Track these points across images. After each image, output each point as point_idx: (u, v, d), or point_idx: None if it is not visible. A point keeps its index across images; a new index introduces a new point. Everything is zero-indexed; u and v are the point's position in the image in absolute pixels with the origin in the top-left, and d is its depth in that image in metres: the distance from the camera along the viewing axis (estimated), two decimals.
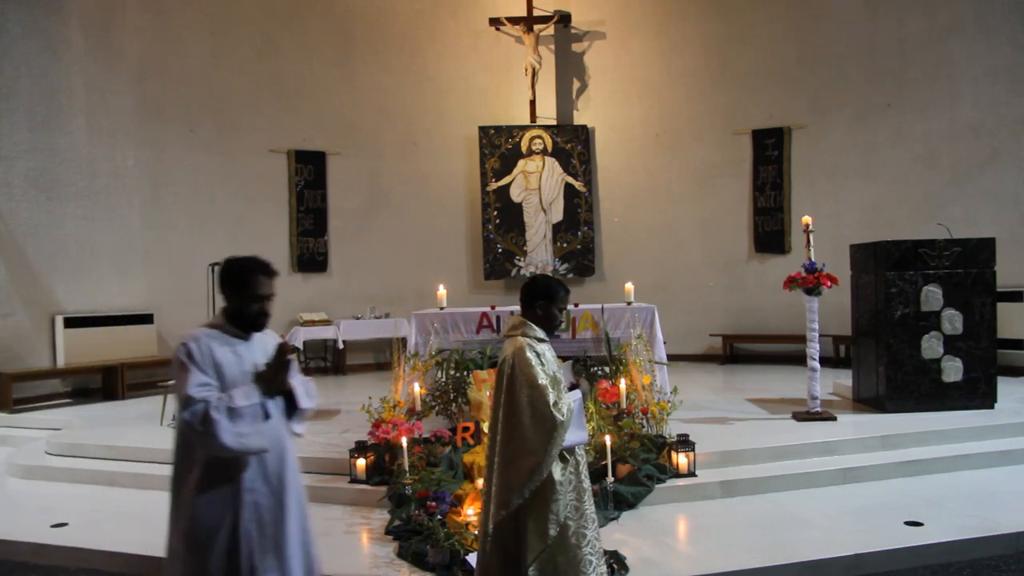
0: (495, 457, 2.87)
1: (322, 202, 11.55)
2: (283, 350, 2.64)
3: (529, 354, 2.86)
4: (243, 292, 2.76)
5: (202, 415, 2.47)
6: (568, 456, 2.89)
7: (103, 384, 9.31)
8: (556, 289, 3.04)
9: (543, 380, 2.81)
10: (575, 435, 2.88)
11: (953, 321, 6.54)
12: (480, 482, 5.03)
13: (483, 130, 11.78)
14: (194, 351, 2.65)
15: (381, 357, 11.39)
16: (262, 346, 2.72)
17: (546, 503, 2.80)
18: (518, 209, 11.79)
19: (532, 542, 2.81)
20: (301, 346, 10.70)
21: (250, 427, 2.49)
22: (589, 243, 11.74)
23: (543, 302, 3.02)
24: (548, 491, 2.81)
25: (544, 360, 2.90)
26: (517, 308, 6.95)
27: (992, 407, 6.57)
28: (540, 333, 3.01)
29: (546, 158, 11.79)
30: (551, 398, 2.78)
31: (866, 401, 6.98)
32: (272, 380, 2.63)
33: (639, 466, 5.03)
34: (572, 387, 3.01)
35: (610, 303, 6.88)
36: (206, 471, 2.60)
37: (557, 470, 2.83)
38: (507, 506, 2.78)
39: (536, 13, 11.69)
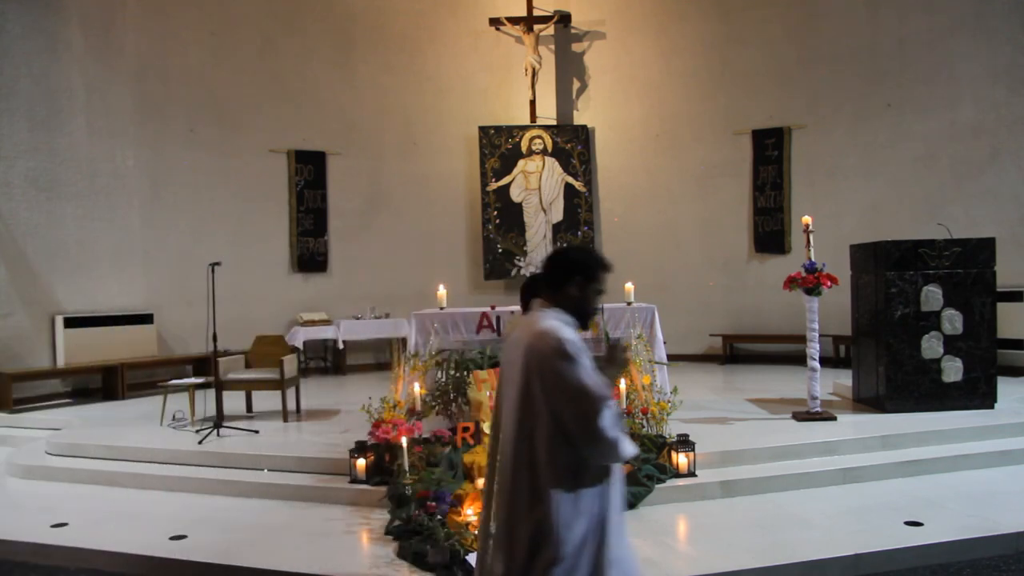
0: (496, 455, 2.83)
1: (322, 202, 11.55)
2: (622, 347, 2.45)
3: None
4: (595, 283, 2.38)
5: (613, 419, 2.14)
6: None
7: (103, 384, 9.32)
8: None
9: None
10: None
11: (953, 321, 6.54)
12: (480, 482, 5.04)
13: (483, 130, 11.78)
14: (577, 344, 2.22)
15: (381, 357, 11.40)
16: None
17: None
18: (518, 209, 11.79)
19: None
20: (301, 346, 10.70)
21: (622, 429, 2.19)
22: (589, 243, 11.74)
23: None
24: None
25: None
26: (517, 308, 6.95)
27: (992, 407, 6.57)
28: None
29: (546, 158, 11.79)
30: None
31: (866, 401, 6.98)
32: (615, 378, 2.40)
33: (639, 466, 5.03)
34: None
35: (610, 303, 6.87)
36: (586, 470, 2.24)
37: None
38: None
39: (536, 13, 11.70)
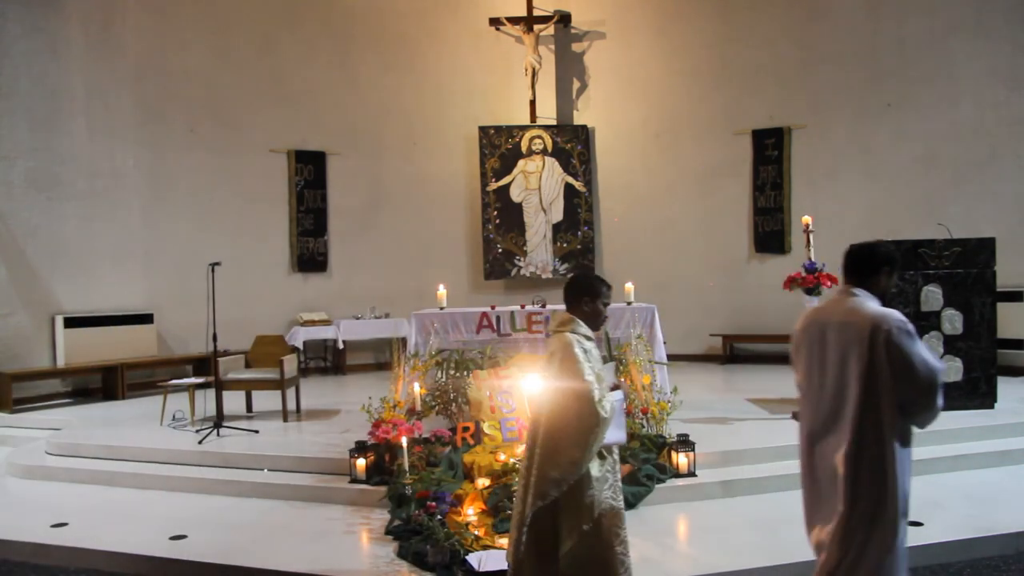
0: (536, 448, 2.88)
1: (322, 202, 11.55)
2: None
3: (577, 350, 2.88)
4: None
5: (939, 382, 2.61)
6: (606, 453, 2.93)
7: (103, 384, 9.32)
8: (599, 285, 3.09)
9: (589, 376, 2.83)
10: (615, 434, 2.91)
11: (953, 321, 6.55)
12: (480, 482, 5.04)
13: (483, 130, 11.77)
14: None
15: (381, 357, 11.39)
16: None
17: (582, 497, 2.83)
18: (518, 209, 11.79)
19: (566, 535, 2.83)
20: (301, 346, 10.70)
21: None
22: (589, 243, 11.74)
23: (588, 298, 3.04)
24: (585, 486, 2.83)
25: (590, 357, 2.92)
26: (516, 308, 6.98)
27: (992, 407, 6.57)
28: (587, 331, 3.03)
29: (546, 158, 11.79)
30: (596, 395, 2.80)
31: None
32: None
33: (639, 466, 5.03)
34: (613, 388, 3.01)
35: (610, 303, 6.88)
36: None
37: (595, 466, 2.86)
38: (544, 497, 2.80)
39: (536, 13, 11.69)
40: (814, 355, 2.83)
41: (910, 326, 2.62)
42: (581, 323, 3.01)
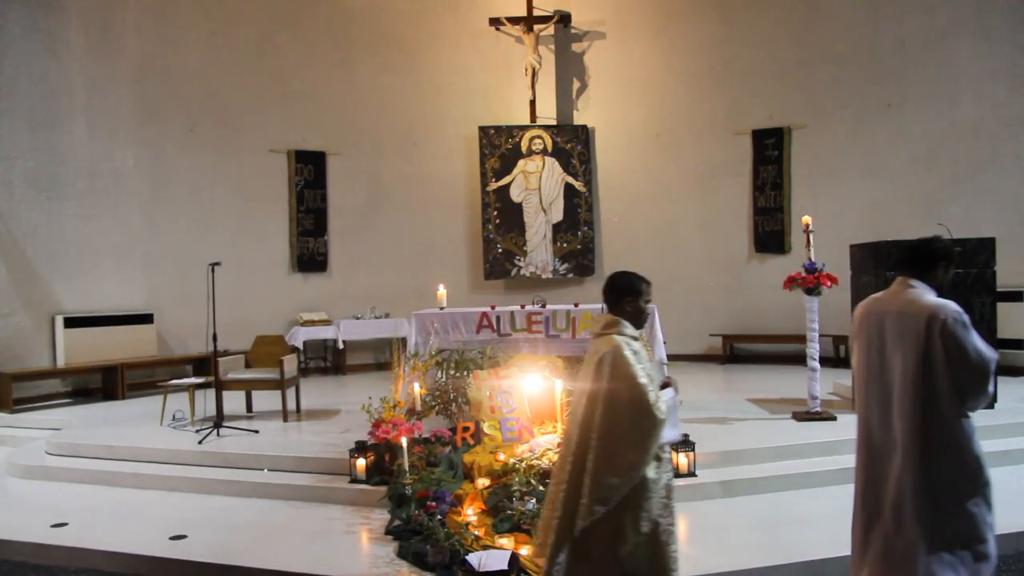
0: (589, 455, 2.80)
1: (322, 202, 11.55)
2: None
3: (627, 352, 2.83)
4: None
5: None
6: (661, 455, 2.90)
7: (103, 384, 9.32)
8: (639, 283, 3.01)
9: (643, 379, 2.79)
10: (670, 433, 2.90)
11: None
12: (480, 482, 5.04)
13: (483, 130, 11.78)
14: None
15: (381, 357, 11.39)
16: None
17: (640, 501, 2.80)
18: (518, 209, 11.79)
19: (625, 539, 2.79)
20: (301, 346, 10.70)
21: None
22: (589, 243, 11.74)
23: (630, 298, 2.98)
24: (642, 489, 2.80)
25: (640, 359, 2.87)
26: (516, 308, 6.97)
27: (992, 407, 6.56)
28: (633, 331, 2.98)
29: (546, 158, 11.79)
30: (652, 396, 2.78)
31: None
32: None
33: None
34: (664, 386, 2.99)
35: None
36: None
37: (651, 468, 2.82)
38: (606, 503, 2.76)
39: (536, 13, 11.69)
40: (873, 342, 3.01)
41: (965, 317, 2.78)
42: (626, 324, 2.95)
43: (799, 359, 7.58)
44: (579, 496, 2.78)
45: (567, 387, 5.99)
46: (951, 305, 2.81)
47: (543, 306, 6.88)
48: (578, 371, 6.19)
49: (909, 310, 2.88)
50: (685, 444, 5.20)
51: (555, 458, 5.14)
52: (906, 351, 2.84)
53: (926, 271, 2.98)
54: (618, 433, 2.77)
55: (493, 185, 11.76)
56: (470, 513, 4.69)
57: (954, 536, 2.83)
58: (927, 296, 2.90)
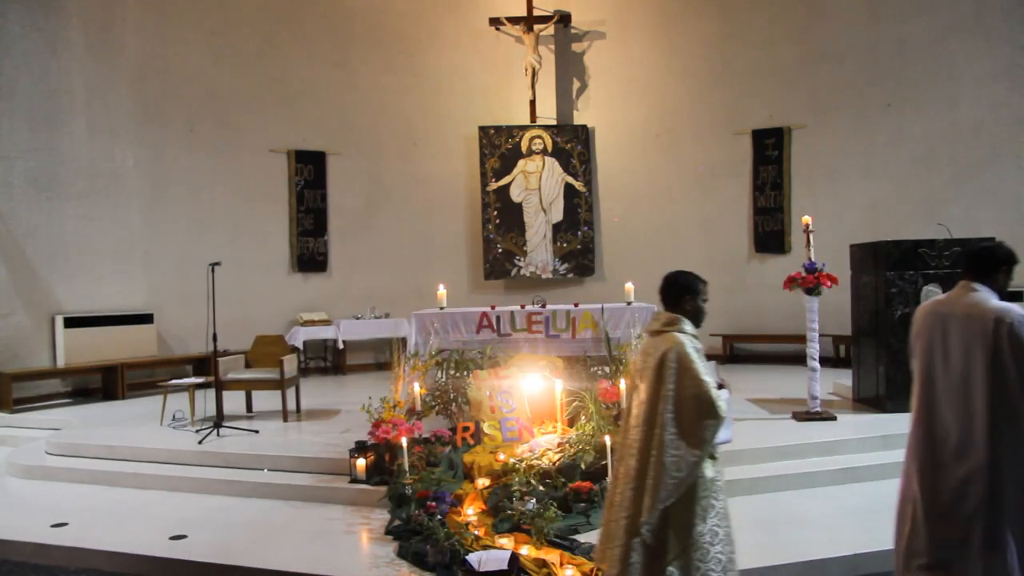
0: (652, 451, 2.83)
1: (322, 202, 11.55)
2: None
3: (690, 349, 2.88)
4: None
5: None
6: (715, 454, 2.92)
7: (103, 384, 9.33)
8: (696, 283, 3.07)
9: (706, 376, 2.84)
10: (724, 433, 2.92)
11: None
12: (480, 482, 5.04)
13: (483, 130, 11.78)
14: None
15: (381, 357, 11.39)
16: None
17: (695, 499, 2.82)
18: (518, 209, 11.79)
19: (676, 538, 2.81)
20: (301, 346, 10.70)
21: None
22: (589, 243, 11.74)
23: (689, 296, 3.02)
24: (700, 487, 2.82)
25: (701, 356, 2.92)
26: (516, 308, 6.97)
27: None
28: (694, 329, 3.01)
29: (546, 158, 11.79)
30: (714, 393, 2.81)
31: (866, 401, 6.98)
32: None
33: None
34: (718, 387, 2.98)
35: (610, 303, 6.88)
36: None
37: (709, 467, 2.85)
38: (668, 500, 2.78)
39: (536, 13, 11.69)
40: (936, 344, 3.11)
41: None
42: (687, 321, 2.99)
43: (799, 359, 7.58)
44: (643, 494, 2.80)
45: (567, 387, 6.00)
46: (1016, 309, 2.93)
47: (543, 306, 6.88)
48: (571, 371, 6.19)
49: (974, 312, 2.98)
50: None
51: (555, 458, 5.15)
52: (973, 353, 2.95)
53: (988, 275, 3.08)
54: (683, 430, 2.80)
55: (493, 185, 11.76)
56: (470, 513, 4.69)
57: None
58: (991, 300, 3.00)
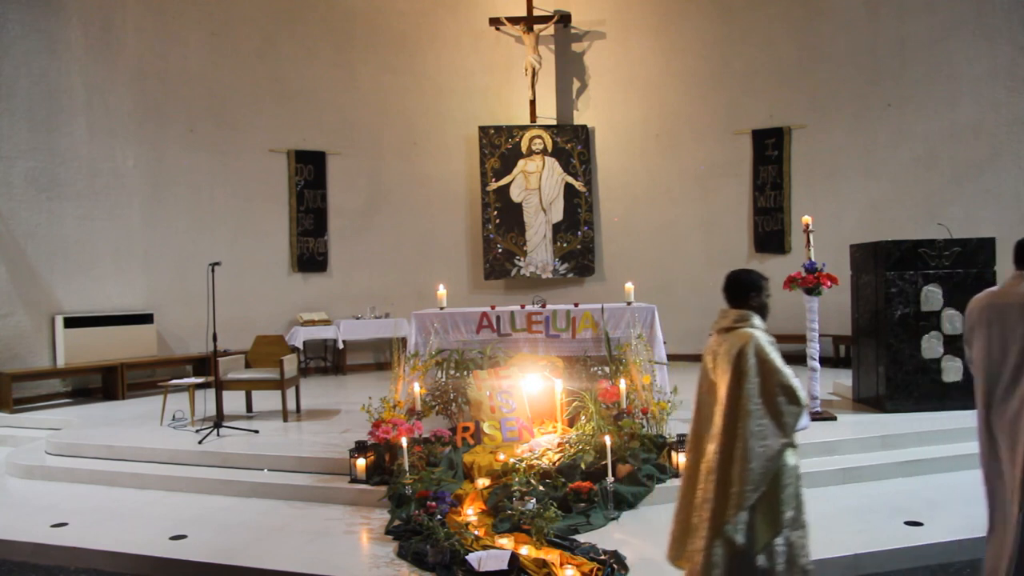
0: (736, 443, 2.87)
1: (322, 202, 11.55)
2: None
3: (765, 343, 2.95)
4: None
5: None
6: (795, 443, 2.98)
7: (103, 384, 9.33)
8: (760, 279, 3.16)
9: (784, 367, 2.92)
10: (804, 420, 3.01)
11: (953, 321, 6.54)
12: (480, 482, 5.04)
13: (483, 130, 11.78)
14: None
15: (381, 357, 11.40)
16: None
17: (780, 488, 2.88)
18: (518, 209, 11.79)
19: (764, 527, 2.86)
20: (301, 346, 10.70)
21: None
22: (589, 243, 11.74)
23: (754, 293, 3.11)
24: (783, 476, 2.89)
25: (774, 348, 2.99)
26: (516, 308, 6.97)
27: None
28: (762, 323, 3.09)
29: (546, 158, 11.79)
30: (795, 383, 2.89)
31: (866, 401, 6.98)
32: None
33: (639, 466, 5.03)
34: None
35: (610, 303, 6.88)
36: None
37: (791, 455, 2.91)
38: (758, 489, 2.84)
39: (536, 13, 11.69)
40: (993, 333, 3.18)
41: None
42: (756, 316, 3.07)
43: (799, 359, 7.58)
44: (730, 486, 2.85)
45: (567, 387, 6.00)
46: None
47: (543, 306, 6.88)
48: (571, 371, 6.18)
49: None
50: (685, 444, 5.19)
51: (555, 458, 5.15)
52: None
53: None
54: (769, 420, 2.88)
55: (493, 185, 11.77)
56: (470, 513, 4.69)
57: None
58: None
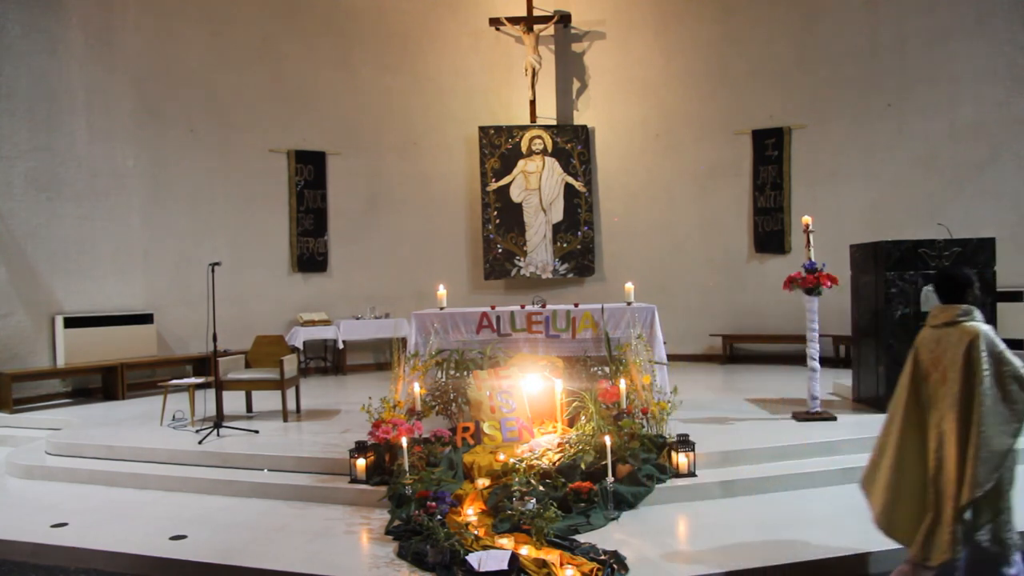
0: (972, 430, 3.14)
1: (322, 202, 11.55)
2: None
3: (994, 336, 3.25)
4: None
5: None
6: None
7: (103, 384, 9.33)
8: (973, 277, 3.46)
9: (1015, 358, 3.19)
10: None
11: None
12: (480, 482, 5.04)
13: (483, 130, 11.78)
14: None
15: (381, 357, 11.40)
16: None
17: (1012, 470, 3.20)
18: (518, 209, 11.79)
19: (989, 504, 3.16)
20: (301, 346, 10.70)
21: None
22: (589, 243, 11.75)
23: (970, 289, 3.41)
24: (1009, 459, 3.18)
25: (998, 339, 3.27)
26: (516, 308, 6.96)
27: None
28: (982, 317, 3.37)
29: (546, 158, 11.79)
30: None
31: (866, 401, 6.98)
32: None
33: (639, 466, 5.03)
34: None
35: (610, 303, 6.88)
36: None
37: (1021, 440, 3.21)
38: (998, 470, 3.12)
39: (536, 13, 11.70)
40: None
41: None
42: (978, 311, 3.34)
43: (799, 359, 7.59)
44: (969, 469, 3.11)
45: (567, 387, 5.99)
46: None
47: (543, 306, 6.88)
48: (571, 371, 6.17)
49: None
50: (685, 444, 5.20)
51: (555, 458, 5.15)
52: None
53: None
54: (1002, 407, 3.15)
55: (493, 185, 11.77)
56: (470, 513, 4.69)
57: None
58: None
